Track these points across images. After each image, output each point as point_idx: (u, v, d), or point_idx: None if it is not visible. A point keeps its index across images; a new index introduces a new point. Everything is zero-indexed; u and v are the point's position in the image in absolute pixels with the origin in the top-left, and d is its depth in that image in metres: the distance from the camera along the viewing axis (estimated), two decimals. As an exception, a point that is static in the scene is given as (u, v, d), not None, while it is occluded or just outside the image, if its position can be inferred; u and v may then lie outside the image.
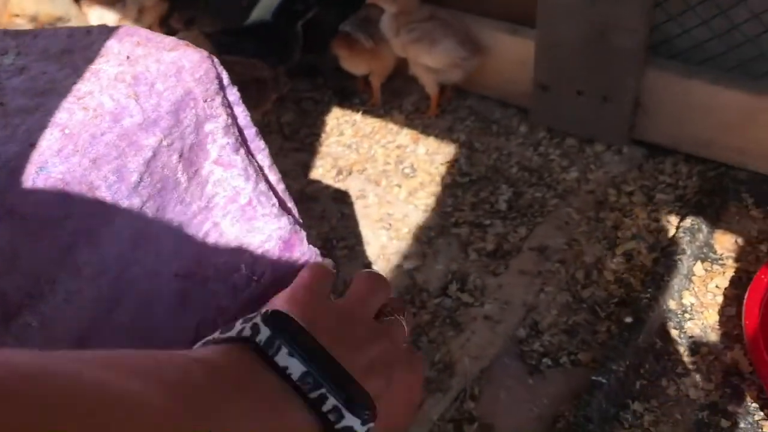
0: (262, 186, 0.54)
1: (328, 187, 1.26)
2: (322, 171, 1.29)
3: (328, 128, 1.39)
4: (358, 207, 1.21)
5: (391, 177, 1.27)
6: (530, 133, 1.33)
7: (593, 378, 0.89)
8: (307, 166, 1.30)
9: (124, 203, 0.43)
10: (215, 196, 0.49)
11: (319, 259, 0.63)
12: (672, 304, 1.01)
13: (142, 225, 0.44)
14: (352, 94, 1.46)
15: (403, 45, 1.30)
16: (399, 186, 1.25)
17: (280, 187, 0.60)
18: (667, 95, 1.20)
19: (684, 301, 1.02)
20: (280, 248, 0.55)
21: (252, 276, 0.54)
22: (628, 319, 0.97)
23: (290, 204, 0.62)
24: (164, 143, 0.46)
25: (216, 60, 0.53)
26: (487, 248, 1.13)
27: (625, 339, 0.94)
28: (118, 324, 0.43)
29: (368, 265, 1.10)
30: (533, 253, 1.11)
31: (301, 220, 0.63)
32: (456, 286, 1.07)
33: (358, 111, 1.41)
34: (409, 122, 1.38)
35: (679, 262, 1.04)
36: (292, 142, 1.35)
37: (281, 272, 0.57)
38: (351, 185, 1.26)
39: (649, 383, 0.93)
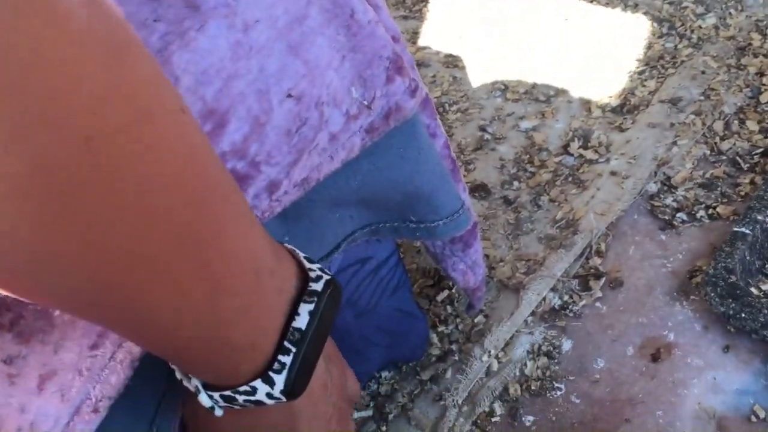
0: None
1: (438, 52, 1.20)
2: (432, 37, 1.23)
3: (436, -6, 1.32)
4: (471, 70, 1.15)
5: (505, 37, 1.19)
6: (659, -20, 1.20)
7: (735, 229, 0.82)
8: (417, 33, 1.24)
9: (213, 3, 0.40)
10: (311, 6, 0.46)
11: (425, 91, 0.59)
12: (828, 151, 0.90)
13: (239, 34, 0.41)
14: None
15: None
16: (515, 46, 1.17)
17: (383, 13, 0.56)
18: None
19: (842, 147, 0.91)
20: (389, 71, 0.51)
21: (363, 101, 0.51)
22: (776, 168, 0.87)
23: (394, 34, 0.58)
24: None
25: None
26: (612, 104, 1.05)
27: (771, 189, 0.85)
28: (229, 142, 0.41)
29: (483, 127, 1.05)
30: (664, 106, 1.02)
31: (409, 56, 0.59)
32: (578, 143, 1.00)
33: (467, -27, 1.33)
34: (522, -20, 1.28)
35: (838, 105, 0.92)
36: (399, 9, 1.29)
37: (392, 101, 0.53)
38: (463, 49, 1.19)
39: (800, 235, 0.84)
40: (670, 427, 0.70)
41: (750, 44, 1.07)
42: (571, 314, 0.81)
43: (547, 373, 0.76)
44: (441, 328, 0.82)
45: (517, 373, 0.77)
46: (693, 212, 0.88)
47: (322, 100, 0.46)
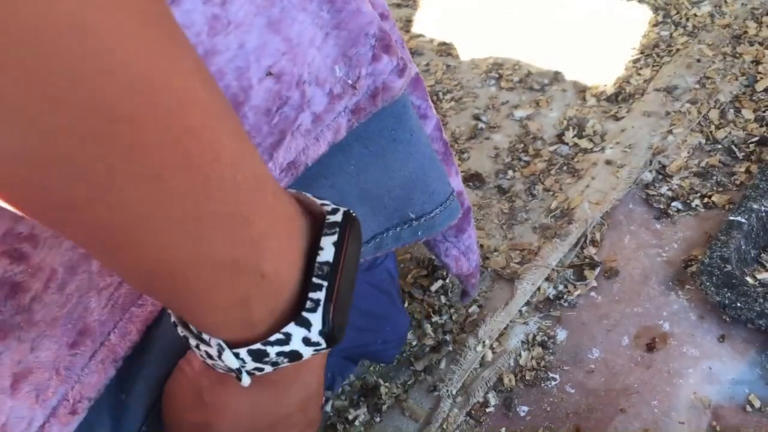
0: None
1: (432, 40, 1.19)
2: (425, 25, 1.22)
3: (429, -18, 1.30)
4: (465, 59, 1.14)
5: (499, 26, 1.18)
6: (655, -32, 1.19)
7: (730, 218, 0.81)
8: (410, 21, 1.23)
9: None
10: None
11: (414, 71, 0.57)
12: (824, 140, 0.90)
13: (216, 8, 0.40)
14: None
15: None
16: (509, 34, 1.16)
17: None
18: None
19: (839, 135, 0.90)
20: (375, 49, 0.50)
21: (347, 81, 0.49)
22: (772, 156, 0.87)
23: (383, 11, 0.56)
24: None
25: None
26: (607, 92, 1.04)
27: (767, 177, 0.84)
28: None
29: (477, 116, 1.04)
30: (660, 94, 1.01)
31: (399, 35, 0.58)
32: (573, 132, 0.99)
33: (461, -39, 1.31)
34: (517, -32, 1.27)
35: (834, 93, 0.91)
36: (392, -3, 1.28)
37: (379, 81, 0.51)
38: (456, 37, 1.18)
39: (796, 224, 0.84)
40: (666, 417, 0.69)
41: (745, 32, 1.06)
42: (565, 304, 0.80)
43: (542, 364, 0.75)
44: (435, 319, 0.81)
45: (512, 364, 0.76)
46: (688, 201, 0.88)
47: (304, 79, 0.45)
